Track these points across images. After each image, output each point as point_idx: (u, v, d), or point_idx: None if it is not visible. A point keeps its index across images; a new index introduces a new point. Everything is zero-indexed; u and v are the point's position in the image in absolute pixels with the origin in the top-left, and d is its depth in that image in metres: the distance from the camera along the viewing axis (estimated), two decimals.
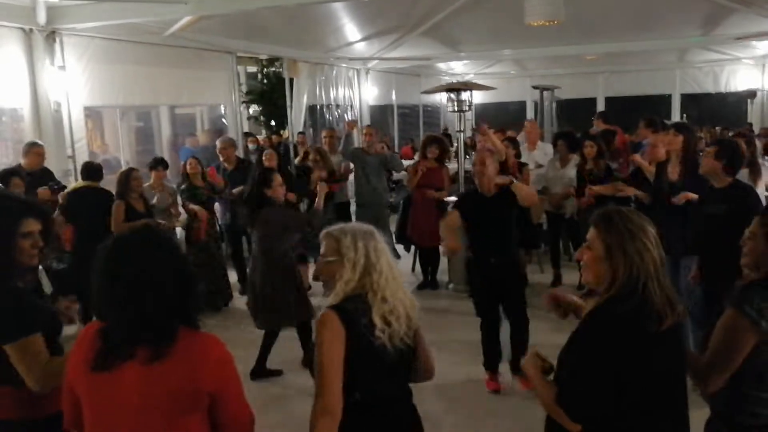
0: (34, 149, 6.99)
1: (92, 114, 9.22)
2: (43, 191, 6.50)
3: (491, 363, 5.68)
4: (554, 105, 14.70)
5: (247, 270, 6.73)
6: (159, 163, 7.90)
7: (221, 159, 8.59)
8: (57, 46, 7.67)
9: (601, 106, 16.98)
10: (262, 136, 12.72)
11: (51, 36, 7.59)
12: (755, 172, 6.21)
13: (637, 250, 2.33)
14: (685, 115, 16.65)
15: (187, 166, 8.00)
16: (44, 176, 6.92)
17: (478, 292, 5.68)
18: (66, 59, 7.79)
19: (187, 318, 2.24)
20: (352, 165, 9.01)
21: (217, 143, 8.83)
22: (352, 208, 9.25)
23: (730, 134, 10.46)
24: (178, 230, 7.90)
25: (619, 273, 2.34)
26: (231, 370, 2.27)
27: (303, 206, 8.32)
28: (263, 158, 8.05)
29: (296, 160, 10.27)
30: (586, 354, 2.34)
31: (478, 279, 5.61)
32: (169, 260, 2.23)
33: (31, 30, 7.50)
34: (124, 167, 8.12)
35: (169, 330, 2.17)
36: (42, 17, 7.41)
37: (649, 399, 2.32)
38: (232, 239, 8.62)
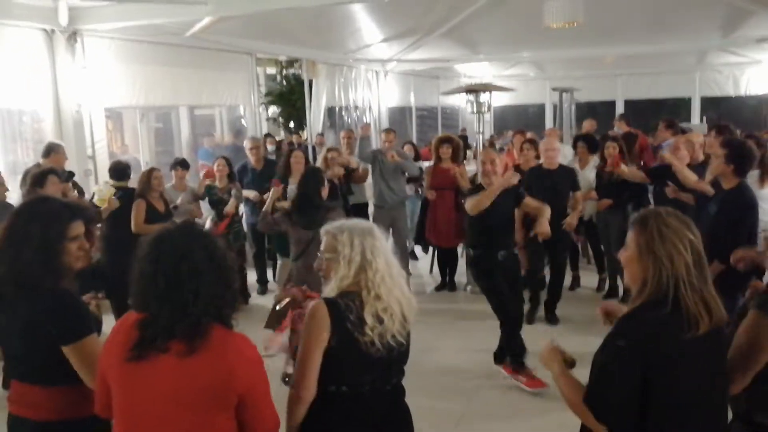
0: (56, 150, 7.01)
1: (112, 115, 9.27)
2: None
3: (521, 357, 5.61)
4: (573, 107, 14.60)
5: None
6: (179, 164, 7.90)
7: (251, 158, 8.57)
8: (78, 47, 7.68)
9: (620, 109, 16.83)
10: (279, 137, 12.72)
11: (73, 37, 7.60)
12: (765, 174, 6.09)
13: (667, 252, 2.29)
14: (704, 118, 16.47)
15: (215, 167, 7.98)
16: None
17: (497, 287, 5.58)
18: (87, 60, 7.81)
19: (221, 316, 2.27)
20: (369, 167, 8.94)
21: (247, 143, 8.80)
22: (370, 209, 9.19)
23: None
24: None
25: (648, 275, 2.32)
26: (261, 371, 2.31)
27: None
28: (291, 160, 7.76)
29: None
30: (615, 357, 2.31)
31: (491, 275, 5.59)
32: (209, 257, 2.27)
33: (53, 31, 7.52)
34: (144, 168, 8.12)
35: (203, 326, 2.20)
36: (64, 18, 7.41)
37: (682, 404, 2.28)
38: (256, 239, 8.57)
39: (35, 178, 5.82)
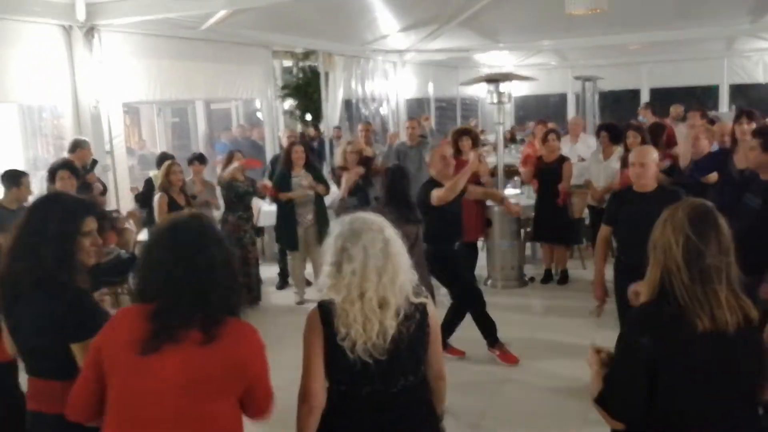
0: (81, 146, 7.35)
1: (130, 110, 9.49)
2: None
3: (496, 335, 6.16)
4: (596, 97, 14.62)
5: None
6: (196, 158, 8.13)
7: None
8: (96, 42, 7.90)
9: (645, 98, 16.83)
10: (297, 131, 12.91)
11: (90, 32, 7.81)
12: None
13: (662, 246, 2.37)
14: (733, 106, 16.43)
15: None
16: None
17: (462, 274, 6.11)
18: (104, 55, 8.03)
19: (232, 306, 2.39)
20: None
21: (284, 133, 9.43)
22: None
23: None
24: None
25: (650, 266, 2.41)
26: (265, 357, 2.44)
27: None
28: (293, 156, 7.96)
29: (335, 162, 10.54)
30: (622, 354, 2.42)
31: (455, 264, 6.04)
32: (221, 248, 2.40)
33: (70, 27, 7.74)
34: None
35: (219, 315, 2.31)
36: (81, 14, 7.64)
37: (686, 402, 2.32)
38: None
39: (48, 174, 6.11)
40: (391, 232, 2.67)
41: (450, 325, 6.03)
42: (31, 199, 5.85)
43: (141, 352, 2.24)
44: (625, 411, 2.39)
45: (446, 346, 6.06)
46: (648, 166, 5.03)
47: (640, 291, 2.69)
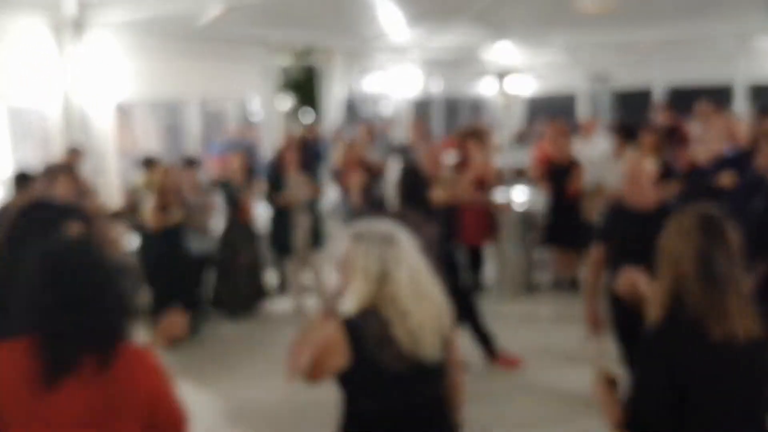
0: (75, 150, 7.39)
1: (121, 110, 9.42)
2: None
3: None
4: (608, 97, 14.53)
5: None
6: (188, 161, 8.06)
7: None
8: (86, 41, 7.82)
9: (657, 97, 16.70)
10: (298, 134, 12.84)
11: (80, 30, 7.74)
12: None
13: (672, 255, 2.37)
14: (750, 107, 16.28)
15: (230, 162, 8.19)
16: None
17: (455, 278, 5.93)
18: (95, 54, 7.95)
19: (123, 330, 2.33)
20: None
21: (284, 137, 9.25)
22: None
23: None
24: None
25: (659, 276, 2.41)
26: (165, 377, 2.38)
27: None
28: (285, 158, 7.88)
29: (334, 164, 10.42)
30: (641, 380, 2.40)
31: (455, 268, 6.03)
32: (106, 271, 2.34)
33: (60, 25, 7.65)
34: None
35: (112, 340, 2.26)
36: (72, 11, 7.58)
37: (700, 414, 2.31)
38: None
39: (47, 174, 6.04)
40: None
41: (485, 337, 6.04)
42: None
43: (34, 389, 2.17)
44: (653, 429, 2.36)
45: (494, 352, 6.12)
46: (639, 181, 4.42)
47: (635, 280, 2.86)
